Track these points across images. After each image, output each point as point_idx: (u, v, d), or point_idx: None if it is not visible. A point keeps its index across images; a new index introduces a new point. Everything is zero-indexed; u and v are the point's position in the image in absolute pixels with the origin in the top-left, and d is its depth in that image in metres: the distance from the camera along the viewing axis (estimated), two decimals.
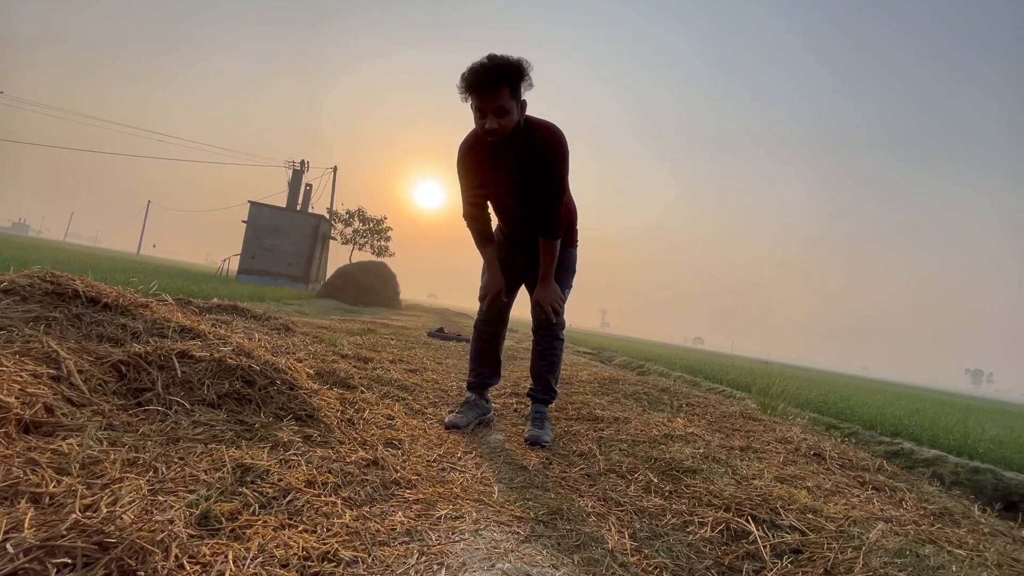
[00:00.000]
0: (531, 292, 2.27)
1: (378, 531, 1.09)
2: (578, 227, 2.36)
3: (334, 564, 0.93)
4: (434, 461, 1.61)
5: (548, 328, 2.26)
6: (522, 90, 1.84)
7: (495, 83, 1.75)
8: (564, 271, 2.26)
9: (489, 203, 2.20)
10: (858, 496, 1.70)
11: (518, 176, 2.00)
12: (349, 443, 1.56)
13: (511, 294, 2.38)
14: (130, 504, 0.89)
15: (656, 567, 1.12)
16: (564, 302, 2.27)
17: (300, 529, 1.01)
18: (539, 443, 1.97)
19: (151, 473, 1.07)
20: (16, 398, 1.13)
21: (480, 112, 1.82)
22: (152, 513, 0.89)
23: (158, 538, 0.81)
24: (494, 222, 2.31)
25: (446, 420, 2.15)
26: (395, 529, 1.12)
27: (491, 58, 1.78)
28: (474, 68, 1.76)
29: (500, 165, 2.00)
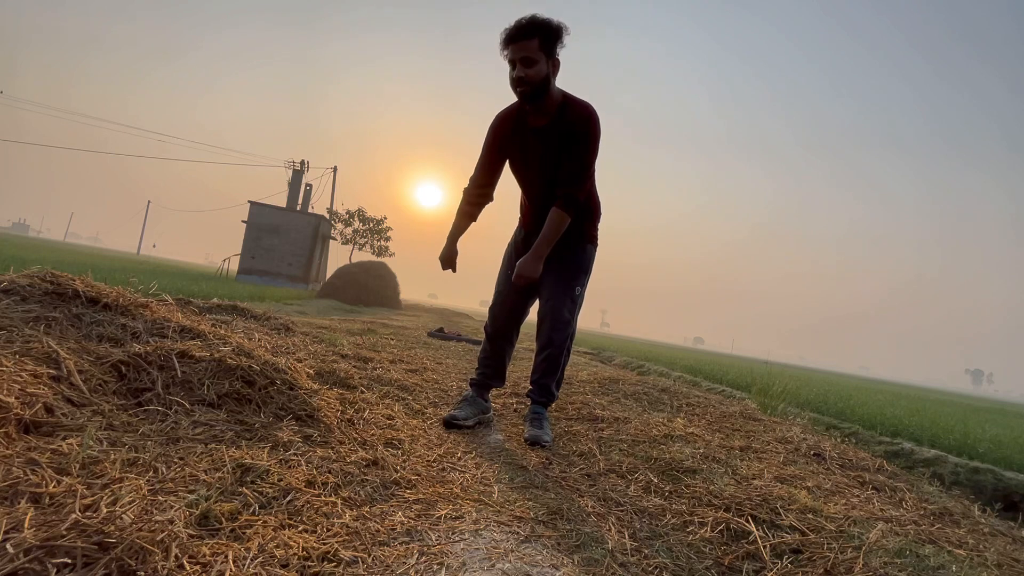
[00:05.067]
0: (542, 298, 2.22)
1: (378, 531, 1.09)
2: (598, 227, 2.30)
3: (334, 564, 0.93)
4: (434, 461, 1.61)
5: (555, 332, 2.15)
6: (556, 49, 1.93)
7: (526, 33, 1.87)
8: (577, 269, 2.20)
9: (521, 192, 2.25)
10: (858, 496, 1.70)
11: (550, 153, 2.05)
12: (349, 443, 1.56)
13: (526, 299, 2.32)
14: (130, 504, 0.89)
15: (656, 567, 1.12)
16: (576, 304, 2.20)
17: (300, 529, 1.01)
18: (539, 443, 1.96)
19: (151, 473, 1.07)
20: (16, 398, 1.13)
21: (511, 63, 1.93)
22: (152, 513, 0.89)
23: (158, 538, 0.81)
24: (510, 219, 2.34)
25: (446, 414, 2.14)
26: (395, 529, 1.12)
27: (532, 15, 1.89)
28: (513, 23, 1.89)
29: (533, 141, 2.08)
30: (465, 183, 2.29)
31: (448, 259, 2.30)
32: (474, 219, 2.33)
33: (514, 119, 2.11)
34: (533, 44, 1.87)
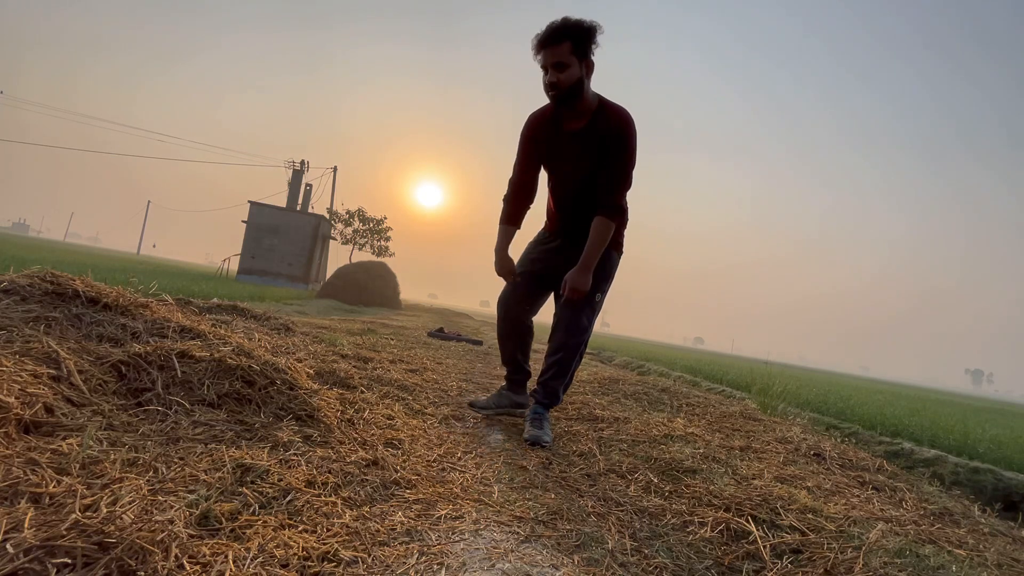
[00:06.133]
0: (559, 300, 2.20)
1: (378, 531, 1.09)
2: (624, 233, 2.26)
3: (334, 564, 0.93)
4: (434, 461, 1.61)
5: (570, 336, 2.12)
6: (589, 51, 1.90)
7: (557, 38, 1.86)
8: (599, 276, 2.13)
9: (549, 192, 2.26)
10: (858, 496, 1.70)
11: (585, 157, 2.03)
12: (349, 443, 1.56)
13: (540, 295, 2.32)
14: (130, 504, 0.89)
15: (656, 567, 1.12)
16: (594, 311, 2.17)
17: (300, 529, 1.01)
18: (539, 443, 1.96)
19: (151, 473, 1.07)
20: (16, 398, 1.13)
21: (543, 68, 1.92)
22: (152, 513, 0.89)
23: (158, 538, 0.81)
24: (535, 220, 2.36)
25: (469, 399, 2.19)
26: (395, 529, 1.12)
27: (563, 18, 1.88)
28: (545, 27, 1.88)
29: (568, 144, 2.06)
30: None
31: (507, 271, 2.25)
32: (518, 227, 2.29)
33: (547, 120, 2.08)
34: (565, 48, 1.86)
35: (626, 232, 2.25)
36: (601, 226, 2.02)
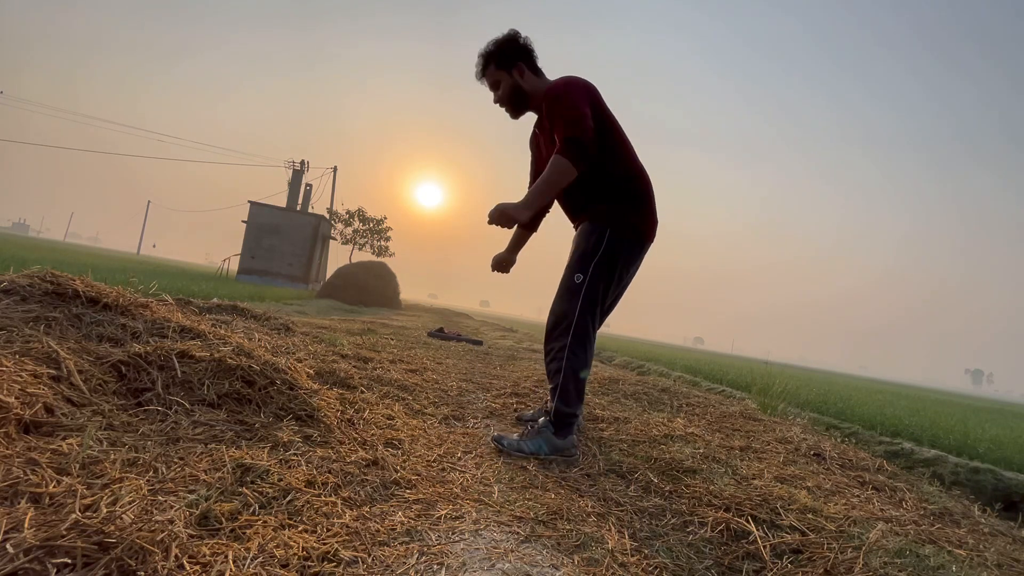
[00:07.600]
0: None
1: (378, 531, 1.09)
2: (629, 218, 1.94)
3: (334, 564, 0.93)
4: (434, 461, 1.61)
5: (551, 328, 1.95)
6: (511, 60, 2.03)
7: (482, 65, 2.07)
8: (577, 255, 1.95)
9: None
10: (858, 496, 1.70)
11: (549, 140, 2.08)
12: (349, 443, 1.56)
13: None
14: (130, 504, 0.89)
15: (656, 567, 1.12)
16: (573, 294, 1.90)
17: (300, 529, 1.01)
18: (500, 442, 1.85)
19: (151, 473, 1.07)
20: (16, 398, 1.13)
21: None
22: (152, 513, 0.89)
23: (158, 538, 0.81)
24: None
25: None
26: (395, 529, 1.12)
27: (481, 50, 2.06)
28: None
29: (538, 138, 2.18)
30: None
31: (500, 263, 2.38)
32: (534, 230, 2.41)
33: (534, 131, 2.24)
34: (491, 69, 2.05)
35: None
36: (552, 162, 1.82)
